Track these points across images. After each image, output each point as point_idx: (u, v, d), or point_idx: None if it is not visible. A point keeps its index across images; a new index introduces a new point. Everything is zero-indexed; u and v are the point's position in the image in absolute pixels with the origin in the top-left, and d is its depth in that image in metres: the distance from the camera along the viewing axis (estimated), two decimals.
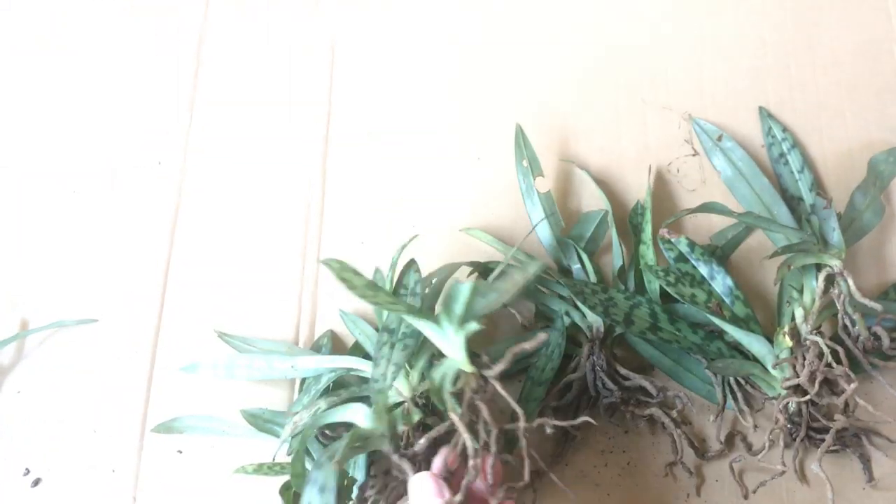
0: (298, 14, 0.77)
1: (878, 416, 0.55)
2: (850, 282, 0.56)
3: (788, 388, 0.56)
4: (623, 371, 0.59)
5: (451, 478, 0.46)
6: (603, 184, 0.67)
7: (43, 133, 0.74)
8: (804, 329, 0.57)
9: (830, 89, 0.70)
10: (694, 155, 0.69)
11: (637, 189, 0.68)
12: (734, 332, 0.57)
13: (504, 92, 0.72)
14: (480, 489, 0.46)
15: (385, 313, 0.54)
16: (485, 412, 0.46)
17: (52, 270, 0.68)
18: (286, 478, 0.52)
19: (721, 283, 0.60)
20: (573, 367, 0.60)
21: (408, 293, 0.50)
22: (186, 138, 0.73)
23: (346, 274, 0.42)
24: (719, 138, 0.68)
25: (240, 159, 0.72)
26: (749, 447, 0.59)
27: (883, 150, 0.66)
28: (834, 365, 0.55)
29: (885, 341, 0.56)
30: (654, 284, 0.61)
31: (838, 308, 0.57)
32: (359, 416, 0.49)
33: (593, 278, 0.62)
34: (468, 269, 0.63)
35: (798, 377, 0.55)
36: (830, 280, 0.57)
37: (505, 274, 0.48)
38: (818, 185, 0.65)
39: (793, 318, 0.58)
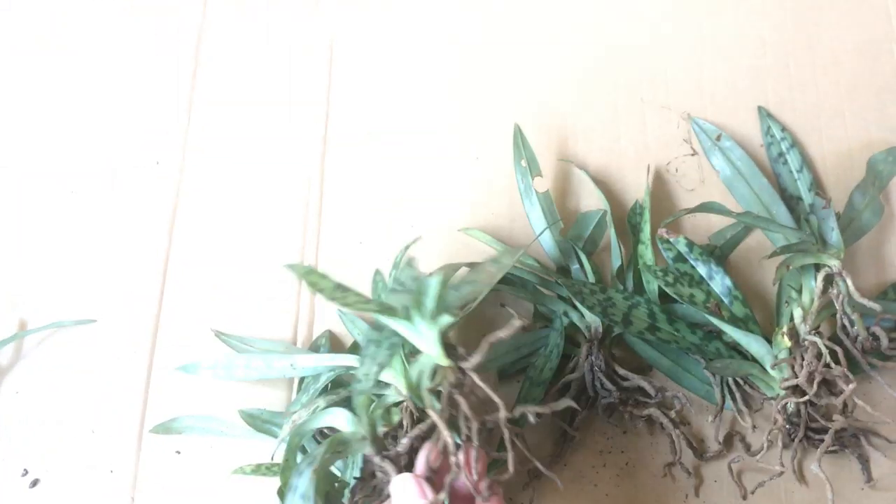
0: (297, 14, 0.77)
1: (877, 416, 0.55)
2: (849, 282, 0.56)
3: (787, 388, 0.55)
4: (621, 371, 0.59)
5: (436, 476, 0.46)
6: (601, 183, 0.67)
7: (41, 133, 0.74)
8: (803, 329, 0.57)
9: (830, 89, 0.70)
10: (693, 154, 0.69)
11: (636, 189, 0.67)
12: (733, 333, 0.57)
13: (503, 92, 0.72)
14: (466, 485, 0.46)
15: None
16: (464, 406, 0.46)
17: (50, 271, 0.68)
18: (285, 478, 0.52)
19: (720, 283, 0.60)
20: (572, 368, 0.60)
21: (403, 290, 0.50)
22: (185, 138, 0.73)
23: (312, 277, 0.41)
24: (718, 138, 0.68)
25: (238, 159, 0.72)
26: (748, 447, 0.59)
27: (882, 150, 0.66)
28: (832, 365, 0.55)
29: (884, 341, 0.56)
30: (652, 284, 0.61)
31: (837, 308, 0.57)
32: (340, 420, 0.50)
33: (592, 278, 0.62)
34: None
35: (797, 377, 0.55)
36: (829, 280, 0.57)
37: (479, 266, 0.47)
38: (817, 185, 0.65)
39: (791, 319, 0.58)
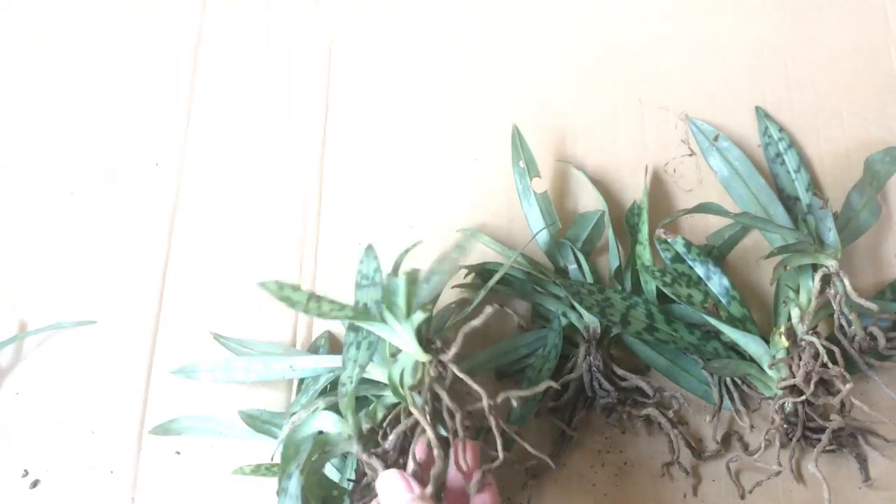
0: (296, 14, 0.77)
1: (874, 416, 0.55)
2: (846, 282, 0.56)
3: (785, 388, 0.56)
4: (620, 371, 0.59)
5: (422, 470, 0.46)
6: (599, 184, 0.67)
7: (41, 133, 0.74)
8: (800, 329, 0.57)
9: (828, 89, 0.70)
10: (690, 155, 0.69)
11: (634, 189, 0.68)
12: (730, 333, 0.58)
13: (501, 92, 0.72)
14: (457, 478, 0.46)
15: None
16: (445, 398, 0.47)
17: (50, 272, 0.68)
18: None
19: (717, 283, 0.60)
20: (570, 368, 0.60)
21: (369, 283, 0.50)
22: (184, 139, 0.73)
23: (285, 293, 0.42)
24: (716, 138, 0.68)
25: (237, 159, 0.72)
26: (745, 447, 0.59)
27: (879, 150, 0.66)
28: (830, 365, 0.55)
29: (882, 341, 0.56)
30: (650, 285, 0.61)
31: (834, 308, 0.57)
32: (327, 423, 0.50)
33: (590, 279, 0.62)
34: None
35: (794, 377, 0.55)
36: (826, 280, 0.57)
37: (443, 256, 0.48)
38: (815, 185, 0.66)
39: (789, 319, 0.58)
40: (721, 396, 0.59)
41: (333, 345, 0.64)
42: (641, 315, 0.59)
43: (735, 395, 0.59)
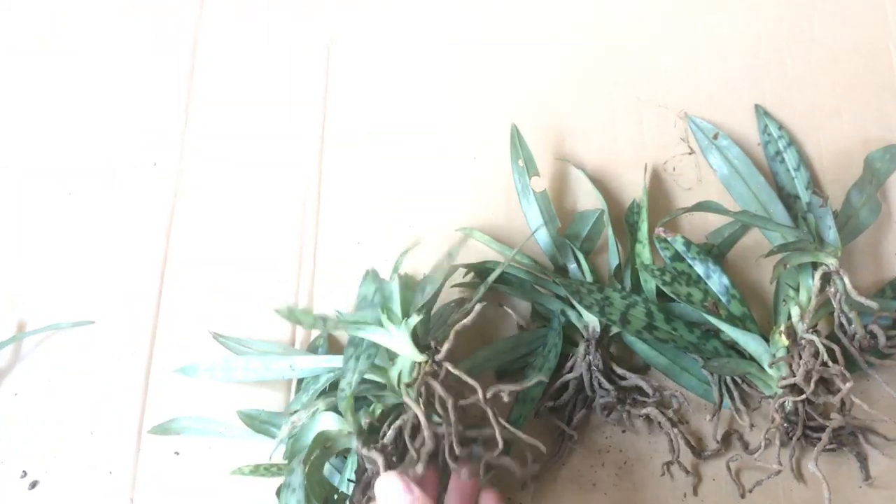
0: (295, 14, 0.77)
1: (875, 414, 0.55)
2: (846, 280, 0.56)
3: (785, 386, 0.56)
4: (619, 370, 0.59)
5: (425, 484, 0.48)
6: (599, 183, 0.67)
7: (39, 133, 0.74)
8: (800, 328, 0.57)
9: (827, 87, 0.70)
10: (690, 153, 0.69)
11: (633, 188, 0.67)
12: (730, 331, 0.57)
13: (500, 91, 0.72)
14: (463, 483, 0.47)
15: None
16: (439, 389, 0.49)
17: (48, 272, 0.68)
18: (283, 479, 0.52)
19: (717, 281, 0.60)
20: (570, 367, 0.60)
21: (367, 305, 0.55)
22: (183, 138, 0.73)
23: (295, 316, 0.46)
24: (715, 136, 0.68)
25: (236, 159, 0.72)
26: (746, 446, 0.59)
27: (879, 148, 0.66)
28: (830, 364, 0.55)
29: (882, 339, 0.56)
30: (650, 283, 0.61)
31: (834, 306, 0.57)
32: (327, 422, 0.51)
33: (589, 277, 0.62)
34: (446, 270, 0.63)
35: (794, 376, 0.55)
36: (826, 278, 0.57)
37: (435, 266, 0.54)
38: (814, 183, 0.65)
39: (789, 317, 0.58)
40: (721, 395, 0.59)
41: (332, 344, 0.64)
42: (641, 314, 0.59)
43: (735, 393, 0.59)
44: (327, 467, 0.56)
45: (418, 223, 0.68)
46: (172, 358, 0.64)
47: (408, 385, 0.50)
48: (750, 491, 0.58)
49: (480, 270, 0.63)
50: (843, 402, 0.56)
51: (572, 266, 0.64)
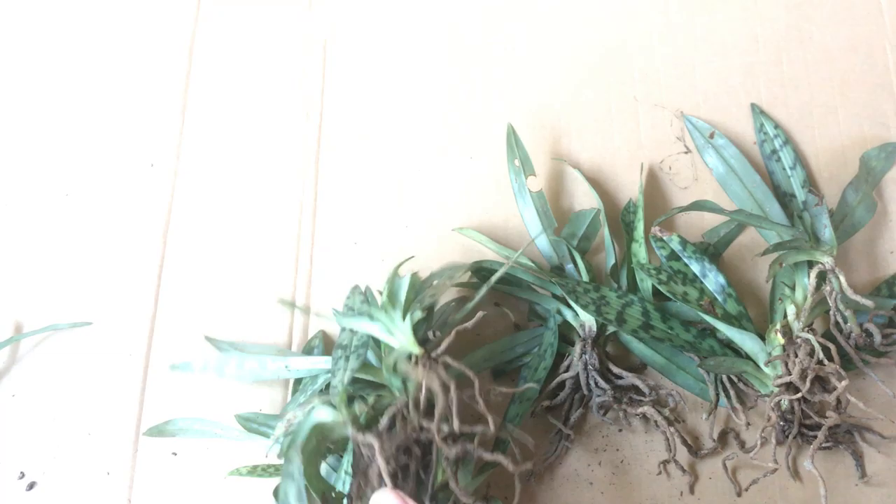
0: (291, 13, 0.77)
1: (870, 412, 0.55)
2: (842, 278, 0.56)
3: (780, 385, 0.56)
4: (616, 370, 0.59)
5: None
6: (595, 182, 0.67)
7: (35, 134, 0.74)
8: (796, 326, 0.57)
9: (823, 86, 0.70)
10: (686, 152, 0.69)
11: (629, 187, 0.68)
12: (726, 330, 0.58)
13: (497, 91, 0.72)
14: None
15: (339, 332, 0.58)
16: (441, 373, 0.50)
17: (46, 274, 0.68)
18: (281, 476, 0.52)
19: (713, 280, 0.60)
20: (566, 366, 0.60)
21: (353, 314, 0.57)
22: (179, 140, 0.73)
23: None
24: (711, 135, 0.68)
25: (232, 160, 0.72)
26: (742, 444, 0.59)
27: (875, 147, 0.66)
28: (826, 362, 0.55)
29: (877, 338, 0.56)
30: (646, 283, 0.61)
31: (830, 305, 0.57)
32: (323, 413, 0.51)
33: (585, 277, 0.62)
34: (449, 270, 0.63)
35: (790, 374, 0.55)
36: (822, 277, 0.57)
37: (441, 274, 0.58)
38: (810, 182, 0.65)
39: (785, 316, 0.58)
40: (717, 394, 0.59)
41: (328, 345, 0.64)
42: (637, 313, 0.59)
43: (731, 392, 0.59)
44: (325, 468, 0.56)
45: (415, 223, 0.68)
46: (170, 358, 0.64)
47: (404, 373, 0.51)
48: (746, 489, 0.58)
49: (478, 269, 0.63)
50: (838, 401, 0.56)
51: (569, 265, 0.64)
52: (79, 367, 0.65)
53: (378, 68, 0.74)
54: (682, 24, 0.73)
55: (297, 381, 0.61)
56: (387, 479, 0.46)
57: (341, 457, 0.56)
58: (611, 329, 0.60)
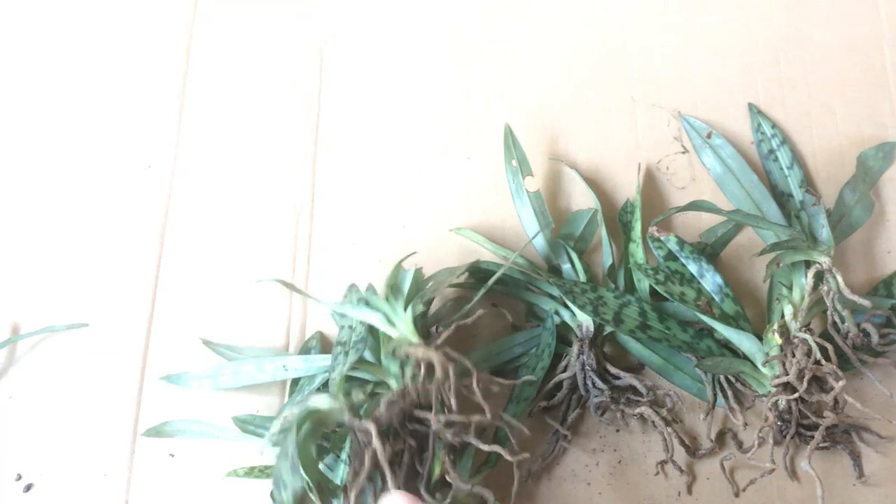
0: (289, 14, 0.77)
1: (868, 412, 0.55)
2: (839, 278, 0.56)
3: (778, 385, 0.56)
4: (613, 370, 0.59)
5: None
6: (592, 182, 0.67)
7: (32, 136, 0.74)
8: (793, 326, 0.57)
9: (820, 86, 0.70)
10: (683, 152, 0.69)
11: (627, 187, 0.68)
12: (724, 330, 0.58)
13: (494, 91, 0.72)
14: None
15: (338, 331, 0.58)
16: (438, 358, 0.50)
17: (43, 275, 0.68)
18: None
19: (710, 280, 0.60)
20: (563, 367, 0.60)
21: (346, 318, 0.58)
22: (176, 141, 0.73)
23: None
24: (709, 135, 0.68)
25: (230, 161, 0.72)
26: (739, 445, 0.59)
27: (872, 146, 0.66)
28: (823, 362, 0.55)
29: (874, 338, 0.56)
30: (643, 283, 0.61)
31: (827, 305, 0.57)
32: (319, 401, 0.51)
33: (583, 277, 0.62)
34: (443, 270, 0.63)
35: (787, 375, 0.55)
36: (819, 277, 0.57)
37: (440, 275, 0.59)
38: (807, 182, 0.65)
39: (782, 316, 0.58)
40: (715, 394, 0.59)
41: (325, 346, 0.64)
42: (634, 313, 0.59)
43: (729, 392, 0.59)
44: (323, 468, 0.56)
45: (412, 223, 0.68)
46: (167, 359, 0.64)
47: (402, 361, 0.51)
48: (744, 489, 0.58)
49: (474, 270, 0.63)
50: (836, 401, 0.56)
51: (566, 266, 0.64)
52: (76, 368, 0.65)
53: (377, 68, 0.74)
54: (681, 25, 0.73)
55: (295, 383, 0.61)
56: (383, 463, 0.46)
57: (338, 456, 0.55)
58: (608, 329, 0.60)
